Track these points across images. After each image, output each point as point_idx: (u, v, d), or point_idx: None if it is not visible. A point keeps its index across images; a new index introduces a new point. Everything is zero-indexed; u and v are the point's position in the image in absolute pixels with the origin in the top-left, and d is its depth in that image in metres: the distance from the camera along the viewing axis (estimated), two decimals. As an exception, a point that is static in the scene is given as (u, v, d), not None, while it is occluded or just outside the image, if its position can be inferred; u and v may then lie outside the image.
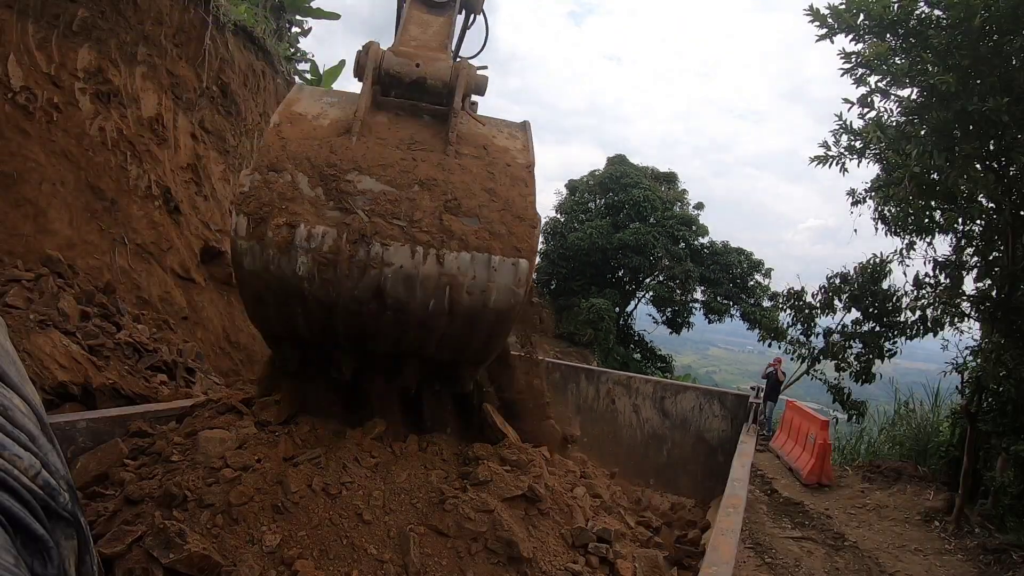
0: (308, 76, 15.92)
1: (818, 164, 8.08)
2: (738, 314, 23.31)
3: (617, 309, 23.52)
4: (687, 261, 23.09)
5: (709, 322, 24.60)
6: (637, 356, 24.62)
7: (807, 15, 7.15)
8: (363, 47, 2.74)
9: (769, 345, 13.06)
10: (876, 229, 9.38)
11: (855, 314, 10.45)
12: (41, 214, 6.62)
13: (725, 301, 23.42)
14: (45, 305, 5.09)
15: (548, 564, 2.31)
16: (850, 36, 7.22)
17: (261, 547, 2.11)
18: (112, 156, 7.47)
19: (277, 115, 2.60)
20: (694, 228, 23.84)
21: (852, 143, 7.95)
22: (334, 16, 15.21)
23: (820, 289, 10.91)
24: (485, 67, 2.86)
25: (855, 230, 9.66)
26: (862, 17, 7.01)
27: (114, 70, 7.48)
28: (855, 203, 9.50)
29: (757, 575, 6.36)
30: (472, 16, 3.74)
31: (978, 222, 8.12)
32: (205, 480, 2.31)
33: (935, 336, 9.08)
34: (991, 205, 7.83)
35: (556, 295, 24.07)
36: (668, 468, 4.56)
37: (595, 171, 25.63)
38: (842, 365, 10.44)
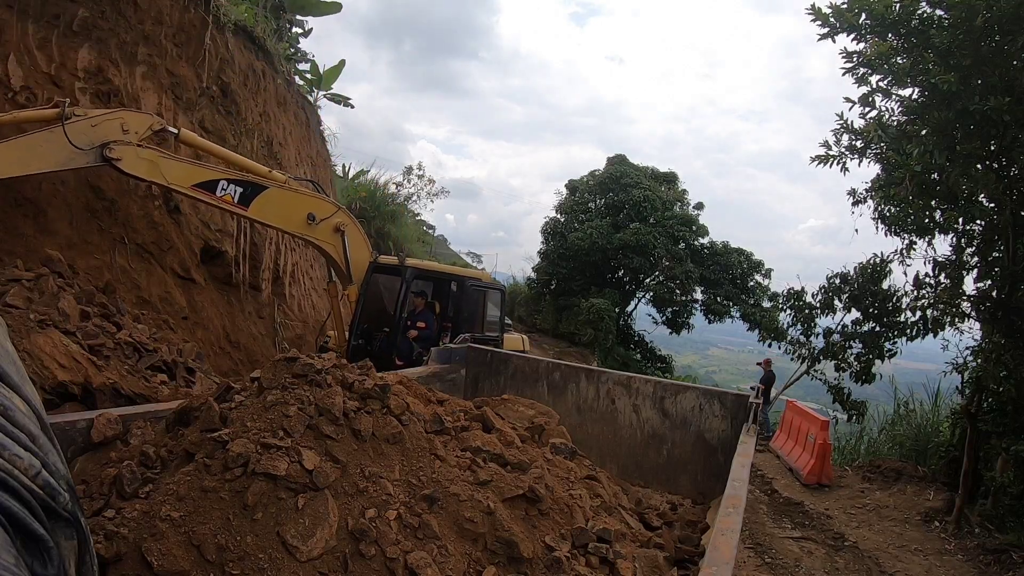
0: (308, 76, 15.89)
1: (819, 164, 8.08)
2: (738, 315, 23.28)
3: (617, 309, 23.50)
4: (687, 261, 23.06)
5: (709, 322, 24.56)
6: (637, 356, 24.60)
7: (809, 14, 7.15)
8: None
9: (769, 345, 13.07)
10: (876, 229, 9.38)
11: (855, 314, 10.46)
12: (41, 214, 6.61)
13: (725, 302, 23.38)
14: (45, 305, 5.09)
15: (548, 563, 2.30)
16: (852, 35, 7.22)
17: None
18: (112, 156, 7.45)
19: None
20: (694, 228, 23.80)
21: (853, 142, 7.94)
22: (335, 8, 15.10)
23: (820, 289, 10.91)
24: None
25: (856, 230, 9.66)
26: (864, 16, 7.01)
27: (114, 70, 7.47)
28: (856, 203, 9.49)
29: (757, 575, 6.36)
30: None
31: (978, 222, 8.11)
32: None
33: (935, 336, 9.08)
34: (992, 205, 7.82)
35: (556, 295, 24.06)
36: (668, 468, 4.55)
37: (595, 171, 25.59)
38: (842, 365, 10.44)
